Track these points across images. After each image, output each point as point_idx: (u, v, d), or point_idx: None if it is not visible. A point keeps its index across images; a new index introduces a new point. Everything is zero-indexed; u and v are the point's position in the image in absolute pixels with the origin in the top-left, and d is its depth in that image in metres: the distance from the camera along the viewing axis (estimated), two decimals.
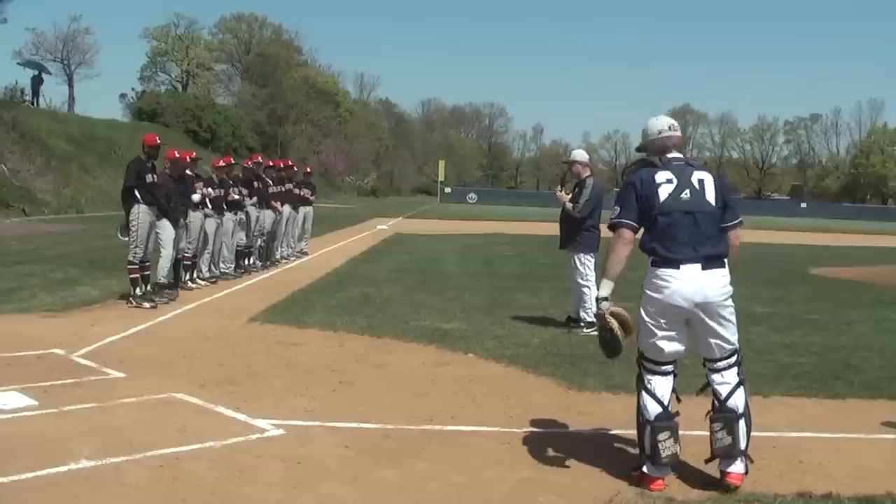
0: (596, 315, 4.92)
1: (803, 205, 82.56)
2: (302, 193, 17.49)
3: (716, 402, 4.77)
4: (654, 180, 4.74)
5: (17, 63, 55.12)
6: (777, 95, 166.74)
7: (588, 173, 9.78)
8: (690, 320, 4.70)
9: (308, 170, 19.38)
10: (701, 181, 4.76)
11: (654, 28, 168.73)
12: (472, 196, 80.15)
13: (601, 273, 4.89)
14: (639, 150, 5.16)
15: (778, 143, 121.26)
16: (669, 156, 4.87)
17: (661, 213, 4.70)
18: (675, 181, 4.72)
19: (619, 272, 4.79)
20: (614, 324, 4.75)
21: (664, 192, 4.70)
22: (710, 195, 4.74)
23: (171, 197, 11.15)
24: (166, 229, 11.04)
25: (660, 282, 4.67)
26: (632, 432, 5.55)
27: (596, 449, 5.34)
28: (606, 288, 4.81)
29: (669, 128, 4.96)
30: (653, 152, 4.96)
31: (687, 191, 4.71)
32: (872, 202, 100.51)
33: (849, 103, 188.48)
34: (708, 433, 4.78)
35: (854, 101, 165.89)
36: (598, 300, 4.85)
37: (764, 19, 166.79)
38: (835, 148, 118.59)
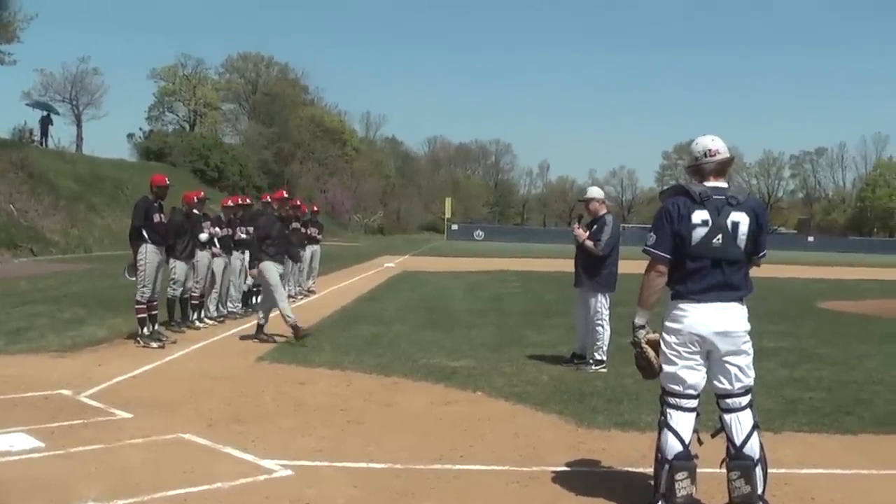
0: (632, 342, 4.94)
1: (810, 238, 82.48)
2: (309, 232, 17.53)
3: (731, 448, 4.71)
4: (690, 219, 4.66)
5: (26, 104, 55.40)
6: (782, 130, 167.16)
7: (605, 210, 9.70)
8: (710, 353, 4.69)
9: (315, 208, 19.46)
10: (735, 224, 4.67)
11: (660, 63, 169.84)
12: (479, 233, 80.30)
13: (637, 302, 4.89)
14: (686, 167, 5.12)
15: (784, 178, 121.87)
16: (710, 185, 4.75)
17: (689, 258, 4.68)
18: (709, 223, 4.64)
19: (655, 302, 4.84)
20: (651, 353, 4.84)
21: (697, 236, 4.65)
22: (742, 240, 4.68)
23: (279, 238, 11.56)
24: (271, 272, 11.19)
25: (680, 313, 4.70)
26: (642, 470, 5.54)
27: (606, 487, 5.29)
28: (643, 317, 4.87)
29: (706, 154, 4.80)
30: (693, 176, 4.89)
31: (720, 236, 4.64)
32: (879, 235, 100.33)
33: (854, 137, 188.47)
34: (719, 470, 4.75)
35: (859, 136, 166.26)
36: (634, 328, 4.89)
37: (769, 55, 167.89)
38: (841, 182, 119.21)
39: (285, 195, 12.40)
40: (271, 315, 11.27)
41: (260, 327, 11.26)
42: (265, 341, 10.96)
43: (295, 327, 11.00)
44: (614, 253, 9.56)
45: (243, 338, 11.41)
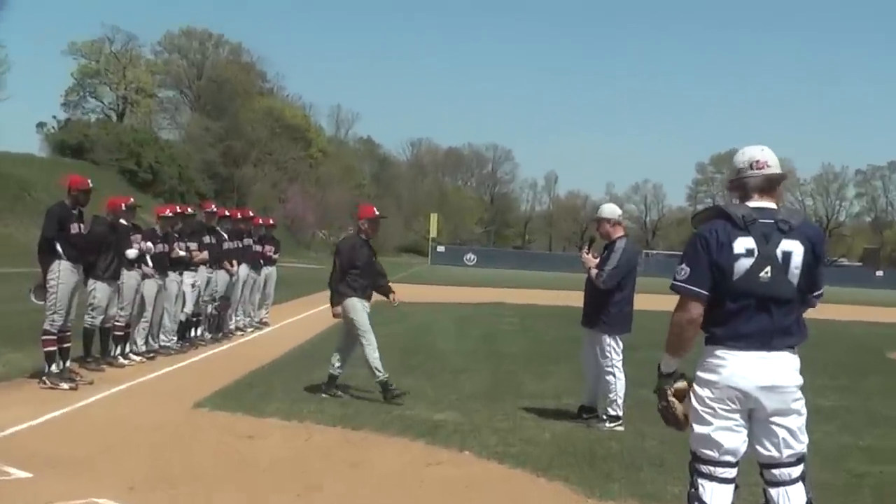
0: (658, 390, 4.94)
1: (879, 273, 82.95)
2: (263, 250, 17.53)
3: None
4: (731, 248, 4.63)
5: None
6: (845, 140, 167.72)
7: (620, 233, 9.71)
8: (753, 412, 4.65)
9: (271, 222, 19.50)
10: (787, 255, 4.64)
11: (692, 57, 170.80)
12: (471, 257, 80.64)
13: (664, 347, 4.87)
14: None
15: (847, 198, 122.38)
16: (754, 205, 4.74)
17: (730, 295, 4.65)
18: (755, 253, 4.61)
19: (688, 349, 4.80)
20: (678, 408, 4.84)
21: (740, 269, 4.61)
22: (795, 274, 4.65)
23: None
24: (359, 311, 10.66)
25: (716, 361, 4.65)
26: None
27: None
28: (670, 365, 4.87)
29: (751, 165, 4.81)
30: (734, 192, 4.90)
31: (768, 269, 4.61)
32: None
33: None
34: None
35: None
36: (660, 375, 4.90)
37: (830, 45, 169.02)
38: None
39: (377, 213, 11.36)
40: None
41: (332, 378, 10.74)
42: (335, 396, 10.54)
43: (385, 386, 10.59)
44: (627, 287, 9.56)
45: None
